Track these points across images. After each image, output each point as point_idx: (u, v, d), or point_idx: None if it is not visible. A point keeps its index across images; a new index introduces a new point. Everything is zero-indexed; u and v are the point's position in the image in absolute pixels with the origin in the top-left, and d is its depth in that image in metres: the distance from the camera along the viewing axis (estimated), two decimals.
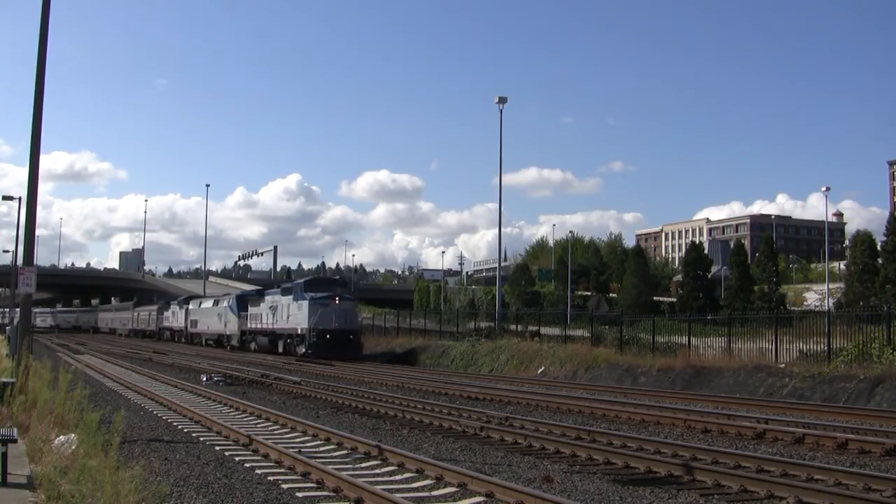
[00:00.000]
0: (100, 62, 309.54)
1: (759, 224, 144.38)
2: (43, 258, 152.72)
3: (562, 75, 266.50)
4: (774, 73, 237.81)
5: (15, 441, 8.82)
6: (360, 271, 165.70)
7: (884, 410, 17.03)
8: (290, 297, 43.14)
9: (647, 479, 10.01)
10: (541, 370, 30.65)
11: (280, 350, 43.90)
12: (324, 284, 44.72)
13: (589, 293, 73.33)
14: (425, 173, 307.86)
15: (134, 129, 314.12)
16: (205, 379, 26.02)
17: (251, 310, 50.15)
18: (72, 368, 15.57)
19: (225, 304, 56.48)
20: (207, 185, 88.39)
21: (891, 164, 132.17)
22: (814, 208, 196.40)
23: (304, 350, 40.02)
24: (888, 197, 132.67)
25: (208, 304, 62.40)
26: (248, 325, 50.41)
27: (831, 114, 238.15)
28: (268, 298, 47.31)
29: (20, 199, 44.22)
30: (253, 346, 49.20)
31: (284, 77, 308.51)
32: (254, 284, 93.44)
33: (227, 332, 54.74)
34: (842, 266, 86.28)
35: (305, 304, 40.44)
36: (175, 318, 69.99)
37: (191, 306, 65.93)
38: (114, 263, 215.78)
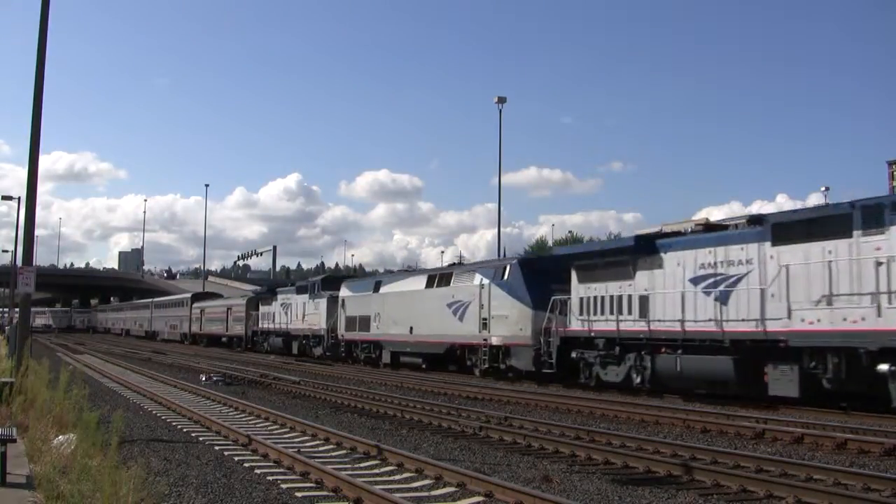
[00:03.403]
0: (100, 62, 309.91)
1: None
2: (42, 258, 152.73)
3: (562, 75, 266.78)
4: (774, 73, 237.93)
5: (14, 441, 8.82)
6: (359, 271, 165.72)
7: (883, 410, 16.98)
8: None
9: (647, 479, 10.00)
10: None
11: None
12: None
13: None
14: (425, 173, 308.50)
15: (134, 128, 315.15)
16: (204, 379, 26.01)
17: (594, 286, 22.08)
18: (70, 368, 15.60)
19: (478, 280, 27.52)
20: (207, 185, 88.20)
21: (890, 164, 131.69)
22: None
23: None
24: None
25: (409, 284, 32.90)
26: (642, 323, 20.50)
27: (831, 114, 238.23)
28: (697, 255, 19.24)
29: (20, 199, 44.32)
30: (626, 377, 20.88)
31: (284, 77, 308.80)
32: (253, 284, 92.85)
33: (496, 338, 26.26)
34: None
35: None
36: (294, 314, 43.13)
37: (347, 292, 37.32)
38: (113, 263, 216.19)
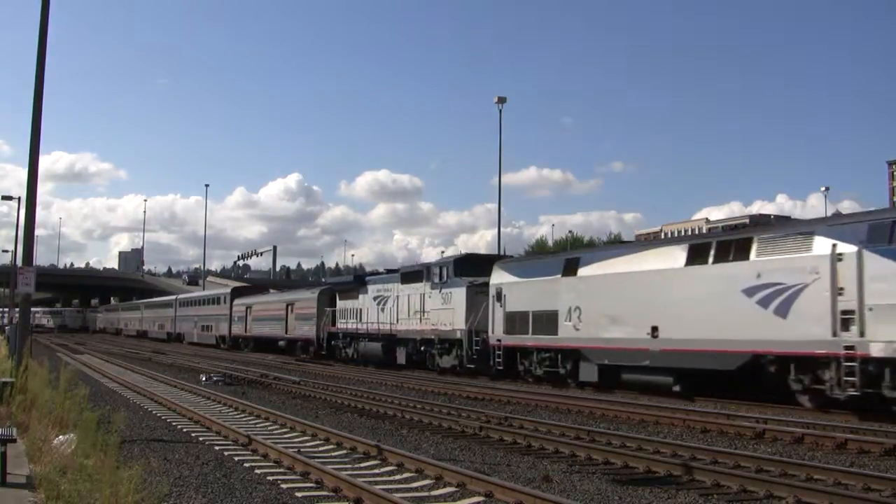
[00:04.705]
0: (100, 62, 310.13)
1: (759, 224, 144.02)
2: (42, 258, 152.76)
3: (562, 75, 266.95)
4: (774, 74, 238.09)
5: (14, 441, 8.83)
6: (360, 271, 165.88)
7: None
8: None
9: (647, 479, 10.00)
10: None
11: None
12: None
13: None
14: (425, 173, 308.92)
15: (134, 129, 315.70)
16: (204, 379, 26.01)
17: None
18: (70, 368, 15.60)
19: (822, 247, 16.83)
20: (207, 185, 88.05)
21: (890, 164, 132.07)
22: (813, 209, 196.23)
23: None
24: (888, 197, 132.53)
25: (646, 260, 21.56)
26: None
27: (831, 114, 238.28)
28: None
29: (20, 199, 44.31)
30: None
31: (285, 77, 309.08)
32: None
33: (879, 346, 15.25)
34: None
35: None
36: (401, 309, 31.69)
37: (507, 277, 26.41)
38: (113, 263, 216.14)
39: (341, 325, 37.54)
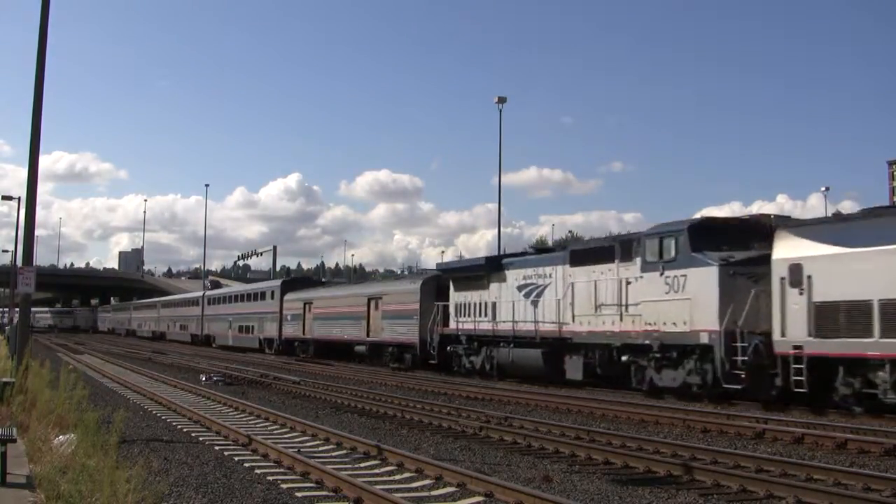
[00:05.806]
0: (101, 63, 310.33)
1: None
2: (42, 258, 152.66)
3: (562, 75, 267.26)
4: (774, 74, 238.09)
5: (14, 441, 8.84)
6: (359, 271, 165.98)
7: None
8: None
9: (647, 479, 10.00)
10: None
11: None
12: None
13: None
14: (425, 173, 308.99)
15: (135, 129, 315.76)
16: (204, 379, 26.01)
17: None
18: (71, 368, 15.59)
19: None
20: (207, 185, 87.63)
21: (890, 164, 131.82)
22: (813, 209, 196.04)
23: None
24: (888, 197, 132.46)
25: None
26: None
27: (831, 114, 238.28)
28: None
29: (20, 199, 44.31)
30: None
31: (285, 77, 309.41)
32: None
33: None
34: None
35: None
36: (575, 302, 22.84)
37: (811, 249, 16.72)
38: (113, 263, 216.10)
39: (463, 324, 28.27)
